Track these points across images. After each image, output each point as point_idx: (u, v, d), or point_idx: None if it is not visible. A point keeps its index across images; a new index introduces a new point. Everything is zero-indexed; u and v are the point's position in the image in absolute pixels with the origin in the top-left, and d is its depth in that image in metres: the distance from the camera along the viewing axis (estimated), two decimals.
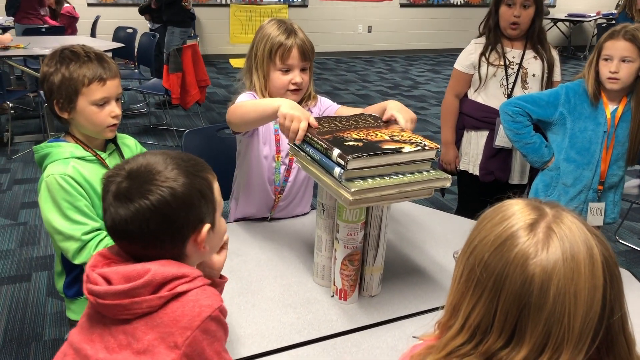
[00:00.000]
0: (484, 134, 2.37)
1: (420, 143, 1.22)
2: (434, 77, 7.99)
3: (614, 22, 9.07)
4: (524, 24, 2.26)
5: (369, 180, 1.16)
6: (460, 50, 2.47)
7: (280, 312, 1.28)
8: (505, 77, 2.30)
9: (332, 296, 1.34)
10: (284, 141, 1.67)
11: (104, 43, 5.21)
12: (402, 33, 9.77)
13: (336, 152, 1.15)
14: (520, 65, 2.30)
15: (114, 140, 1.54)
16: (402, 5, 9.70)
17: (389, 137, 1.25)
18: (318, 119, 1.34)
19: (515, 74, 2.30)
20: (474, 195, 2.47)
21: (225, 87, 7.06)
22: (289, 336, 1.20)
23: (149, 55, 5.42)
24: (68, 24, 6.41)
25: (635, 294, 1.42)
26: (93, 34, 6.66)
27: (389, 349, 1.17)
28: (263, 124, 1.62)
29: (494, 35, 2.32)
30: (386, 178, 1.17)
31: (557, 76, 2.36)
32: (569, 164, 2.04)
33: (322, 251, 1.36)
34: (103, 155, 1.50)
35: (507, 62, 2.30)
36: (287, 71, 1.61)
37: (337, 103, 1.77)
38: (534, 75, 2.30)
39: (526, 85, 2.31)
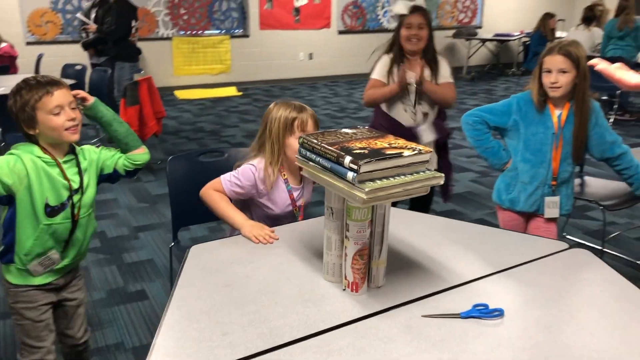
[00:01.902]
0: None
1: (416, 149, 1.41)
2: None
3: (528, 39, 9.78)
4: (421, 41, 2.77)
5: (377, 181, 1.33)
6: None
7: (301, 307, 1.43)
8: (407, 96, 2.81)
9: (344, 289, 1.50)
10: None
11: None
12: (342, 59, 10.14)
13: (348, 159, 1.33)
14: (418, 85, 2.77)
15: (73, 152, 1.88)
16: (340, 32, 10.09)
17: (388, 145, 1.44)
18: (323, 133, 1.52)
19: (413, 92, 2.80)
20: None
21: (174, 118, 7.13)
22: (314, 325, 1.35)
23: (101, 90, 5.44)
24: (10, 64, 6.34)
25: (599, 272, 1.66)
26: (37, 72, 6.61)
27: (404, 327, 1.34)
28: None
29: (397, 52, 2.82)
30: (391, 179, 1.35)
31: (442, 75, 2.85)
32: (525, 164, 2.30)
33: (332, 250, 1.52)
34: (60, 159, 1.82)
35: (408, 83, 2.78)
36: None
37: None
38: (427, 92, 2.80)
39: (421, 102, 2.83)
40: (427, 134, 2.86)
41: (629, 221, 3.88)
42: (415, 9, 2.83)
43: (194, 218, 2.59)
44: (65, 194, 1.84)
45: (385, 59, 2.88)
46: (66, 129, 1.77)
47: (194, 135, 6.31)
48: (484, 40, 11.00)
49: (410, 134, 2.77)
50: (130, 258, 3.35)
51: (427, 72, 2.82)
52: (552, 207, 2.32)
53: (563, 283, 1.56)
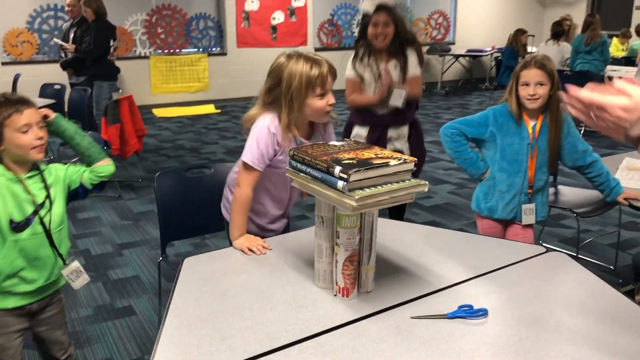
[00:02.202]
0: (366, 128, 3.17)
1: (401, 158, 1.49)
2: None
3: (500, 54, 10.05)
4: (387, 38, 2.94)
5: (366, 189, 1.41)
6: None
7: (295, 312, 1.49)
8: (376, 86, 3.02)
9: (335, 295, 1.56)
10: None
11: (35, 100, 5.21)
12: None
13: (338, 168, 1.40)
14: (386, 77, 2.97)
15: (37, 168, 1.90)
16: (316, 50, 10.23)
17: (375, 155, 1.52)
18: (312, 145, 1.59)
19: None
20: None
21: (154, 136, 7.14)
22: (309, 328, 1.41)
23: (81, 109, 5.45)
24: None
25: (574, 273, 1.75)
26: (14, 92, 6.57)
27: (394, 328, 1.41)
28: None
29: (365, 46, 3.00)
30: (379, 187, 1.43)
31: (410, 69, 3.04)
32: (502, 174, 2.40)
33: (323, 257, 1.59)
34: (22, 175, 1.85)
35: (379, 74, 2.99)
36: (323, 96, 1.88)
37: None
38: (397, 83, 3.04)
39: (391, 93, 3.01)
40: (397, 98, 3.06)
41: (601, 228, 4.02)
42: (380, 7, 2.96)
43: (181, 233, 2.63)
44: (29, 209, 1.85)
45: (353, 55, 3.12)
46: (33, 148, 1.81)
47: (174, 153, 6.34)
48: (457, 56, 11.25)
49: (381, 123, 3.07)
50: (116, 275, 3.37)
51: (392, 66, 3.02)
52: (529, 214, 2.42)
53: (541, 283, 1.65)
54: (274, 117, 1.93)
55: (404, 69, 3.05)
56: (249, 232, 1.97)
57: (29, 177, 1.88)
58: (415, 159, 1.51)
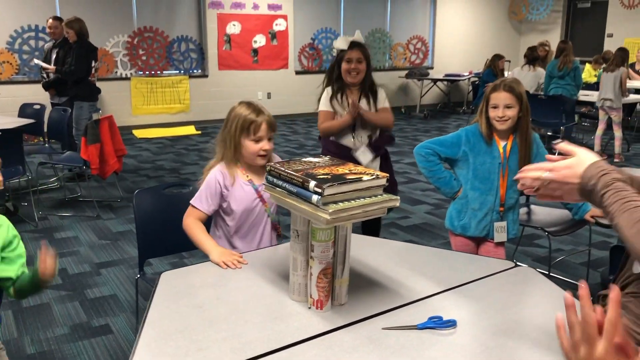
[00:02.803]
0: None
1: (374, 174, 1.55)
2: None
3: (477, 79, 10.29)
4: (360, 74, 3.04)
5: (339, 203, 1.46)
6: None
7: (270, 323, 1.52)
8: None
9: (310, 307, 1.60)
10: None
11: (13, 119, 5.21)
12: (299, 98, 10.38)
13: (312, 183, 1.45)
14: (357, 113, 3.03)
15: None
16: (297, 72, 10.36)
17: (348, 171, 1.57)
18: (289, 161, 1.64)
19: (357, 121, 3.07)
20: None
21: (133, 157, 7.14)
22: (284, 339, 1.44)
23: (61, 129, 5.45)
24: None
25: (540, 286, 1.81)
26: None
27: (366, 338, 1.45)
28: None
29: (337, 83, 3.08)
30: (352, 201, 1.48)
31: (380, 103, 3.12)
32: (475, 192, 2.47)
33: (297, 271, 1.63)
34: None
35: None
36: (257, 141, 2.10)
37: None
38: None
39: (365, 127, 3.11)
40: (364, 155, 3.11)
41: (573, 247, 4.12)
42: (354, 45, 3.06)
43: (159, 250, 2.65)
44: None
45: (329, 91, 3.15)
46: None
47: (153, 174, 6.34)
48: (435, 80, 11.46)
49: (352, 156, 3.10)
50: (93, 294, 3.35)
51: (364, 101, 3.11)
52: (501, 231, 2.49)
53: (509, 296, 1.71)
54: (222, 163, 2.18)
55: (375, 101, 3.14)
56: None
57: None
58: (387, 175, 1.56)
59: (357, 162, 3.06)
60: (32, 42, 8.27)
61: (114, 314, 3.11)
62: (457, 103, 11.90)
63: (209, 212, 2.15)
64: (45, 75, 6.20)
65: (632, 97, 7.55)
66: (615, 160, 6.86)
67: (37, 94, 6.95)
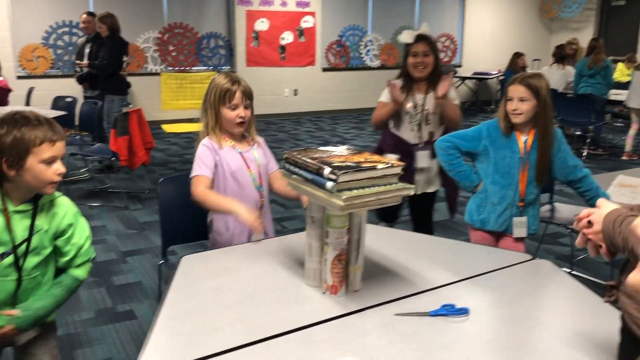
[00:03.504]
0: (395, 156, 2.99)
1: (389, 163, 1.57)
2: (359, 134, 8.57)
3: (503, 76, 10.22)
4: (427, 68, 2.93)
5: (354, 190, 1.49)
6: None
7: (285, 307, 1.56)
8: (415, 116, 2.99)
9: (324, 293, 1.63)
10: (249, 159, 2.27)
11: (47, 111, 5.36)
12: (326, 95, 10.41)
13: (327, 170, 1.49)
14: (423, 107, 2.95)
15: (36, 200, 1.67)
16: (324, 70, 10.39)
17: (364, 159, 1.60)
18: (306, 150, 1.68)
19: (419, 113, 2.97)
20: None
21: (162, 150, 7.26)
22: (297, 321, 1.48)
23: (91, 121, 5.59)
24: (3, 96, 6.47)
25: (557, 279, 1.81)
26: (28, 105, 6.74)
27: (379, 323, 1.48)
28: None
29: (406, 79, 2.99)
30: (366, 189, 1.51)
31: (452, 99, 3.02)
32: (495, 186, 2.47)
33: (312, 256, 1.66)
34: (12, 207, 1.62)
35: (415, 105, 2.96)
36: (234, 109, 2.19)
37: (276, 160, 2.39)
38: (434, 113, 2.99)
39: (428, 122, 2.99)
40: (424, 159, 2.98)
41: None
42: (419, 38, 2.97)
43: (182, 237, 2.71)
44: (4, 246, 1.63)
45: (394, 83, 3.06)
46: (51, 183, 1.63)
47: (181, 167, 6.44)
48: (463, 79, 11.37)
49: (411, 150, 2.99)
50: (119, 281, 3.44)
51: (432, 97, 2.97)
52: (520, 227, 2.48)
53: (525, 287, 1.71)
54: (210, 133, 2.25)
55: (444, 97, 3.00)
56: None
57: (18, 212, 1.64)
58: (403, 163, 1.59)
59: (412, 158, 2.98)
60: (66, 38, 8.47)
61: (138, 300, 3.19)
62: (485, 102, 11.79)
63: (211, 176, 2.20)
64: (78, 69, 6.36)
65: None
66: None
67: (70, 88, 7.12)
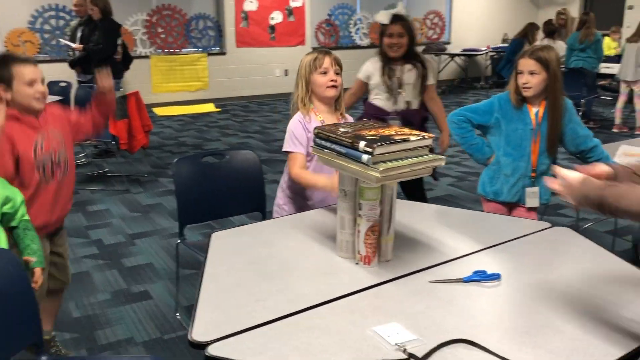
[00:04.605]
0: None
1: (420, 135, 1.61)
2: (352, 113, 8.56)
3: (503, 52, 10.21)
4: (402, 48, 3.07)
5: (388, 162, 1.52)
6: None
7: (321, 278, 1.60)
8: (391, 87, 3.13)
9: (357, 263, 1.68)
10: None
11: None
12: None
13: (362, 143, 1.52)
14: (399, 79, 3.11)
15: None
16: (313, 49, 10.34)
17: (395, 132, 1.63)
18: (334, 124, 1.71)
19: (395, 84, 3.13)
20: None
21: (156, 134, 7.23)
22: (335, 291, 1.52)
23: (87, 106, 5.54)
24: None
25: (579, 244, 1.87)
26: None
27: (415, 290, 1.53)
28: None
29: (383, 57, 3.13)
30: (400, 161, 1.54)
31: (430, 80, 3.17)
32: (507, 158, 2.52)
33: (345, 229, 1.70)
34: None
35: (391, 77, 3.11)
36: (325, 73, 2.26)
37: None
38: (408, 83, 3.12)
39: (402, 91, 3.15)
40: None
41: (597, 216, 4.15)
42: (395, 19, 3.07)
43: (198, 216, 2.73)
44: None
45: (373, 61, 3.21)
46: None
47: (177, 149, 6.43)
48: (452, 55, 11.39)
49: (386, 120, 3.08)
50: (130, 262, 3.46)
51: (412, 74, 3.12)
52: (532, 197, 2.54)
53: (549, 253, 1.77)
54: (300, 109, 2.32)
55: (424, 75, 3.15)
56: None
57: None
58: (433, 136, 1.62)
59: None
60: (52, 21, 8.34)
61: (151, 281, 3.21)
62: (474, 78, 11.83)
63: (304, 152, 2.26)
64: (71, 53, 6.28)
65: None
66: (637, 132, 6.84)
67: (62, 72, 7.03)
